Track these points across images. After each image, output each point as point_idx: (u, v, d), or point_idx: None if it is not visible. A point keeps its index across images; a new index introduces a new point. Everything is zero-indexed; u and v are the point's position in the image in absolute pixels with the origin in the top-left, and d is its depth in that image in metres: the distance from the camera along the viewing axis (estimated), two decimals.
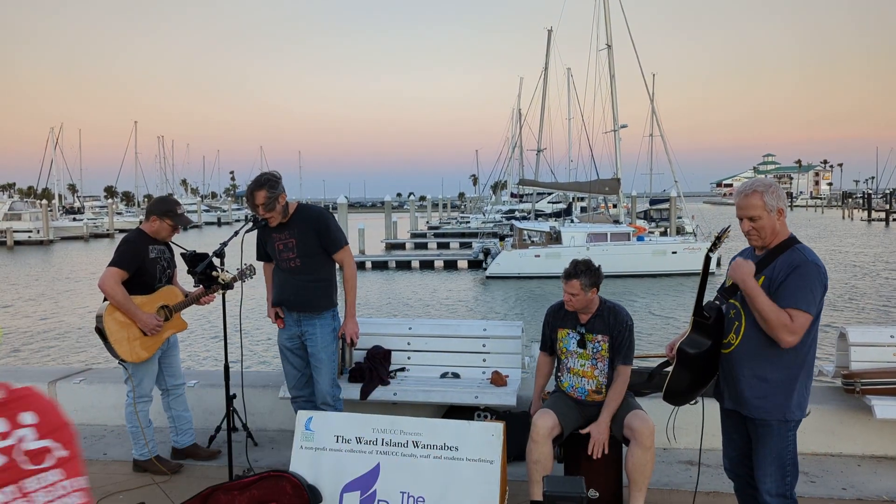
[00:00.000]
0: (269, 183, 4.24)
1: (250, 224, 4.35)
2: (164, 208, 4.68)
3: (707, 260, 3.20)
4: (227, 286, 4.25)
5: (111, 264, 4.47)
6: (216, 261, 4.19)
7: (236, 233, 4.28)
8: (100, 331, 4.47)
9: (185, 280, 4.94)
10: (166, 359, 4.87)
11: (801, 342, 2.94)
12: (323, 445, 3.44)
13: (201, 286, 4.54)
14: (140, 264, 4.54)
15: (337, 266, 4.54)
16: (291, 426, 5.53)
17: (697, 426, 4.69)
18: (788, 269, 2.92)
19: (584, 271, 3.97)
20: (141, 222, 4.79)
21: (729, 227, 3.17)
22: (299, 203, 4.48)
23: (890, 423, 4.72)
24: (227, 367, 4.39)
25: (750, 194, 3.00)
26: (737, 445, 3.24)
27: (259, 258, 4.65)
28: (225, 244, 4.24)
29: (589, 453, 3.90)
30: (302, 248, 4.38)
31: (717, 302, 3.12)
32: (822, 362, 5.64)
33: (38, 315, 22.36)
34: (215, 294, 4.67)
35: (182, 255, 4.31)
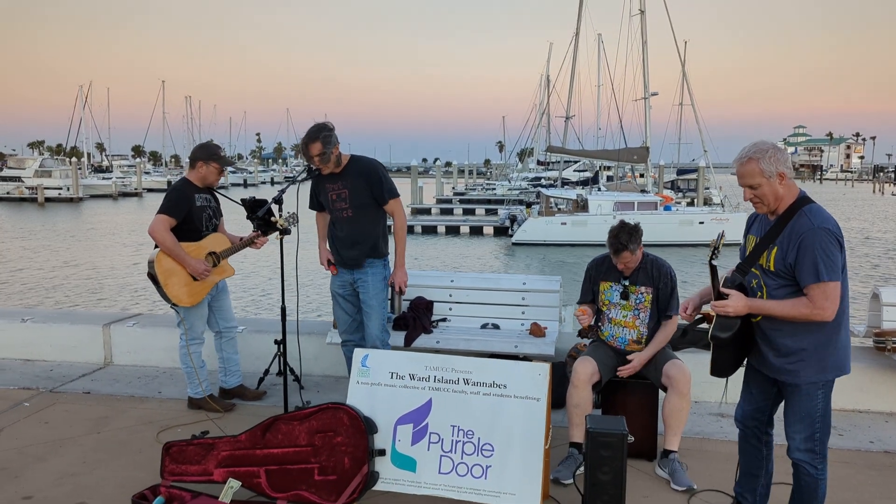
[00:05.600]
0: (323, 135, 4.40)
1: (305, 174, 4.53)
2: (208, 153, 4.87)
3: (713, 267, 3.09)
4: (286, 231, 4.44)
5: (160, 211, 4.67)
6: (275, 207, 4.39)
7: (293, 181, 4.46)
8: (152, 276, 4.68)
9: (233, 228, 5.16)
10: (217, 302, 5.09)
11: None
12: (378, 381, 3.64)
13: (254, 232, 4.76)
14: (187, 212, 4.73)
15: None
16: (336, 372, 5.80)
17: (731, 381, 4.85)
18: (797, 240, 2.87)
19: (628, 239, 4.08)
20: (181, 175, 4.99)
21: (723, 232, 3.20)
22: (352, 155, 4.65)
23: None
24: (283, 309, 4.61)
25: (745, 162, 2.94)
26: (754, 400, 3.30)
27: (311, 207, 4.83)
28: (283, 191, 4.43)
29: (618, 372, 4.14)
30: (354, 198, 4.55)
31: (738, 274, 3.11)
32: (854, 323, 5.75)
33: (84, 267, 22.93)
34: (267, 238, 4.87)
35: (242, 200, 4.51)
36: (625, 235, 4.08)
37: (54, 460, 4.22)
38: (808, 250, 2.84)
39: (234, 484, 3.59)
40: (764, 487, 3.41)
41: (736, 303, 2.96)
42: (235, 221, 5.37)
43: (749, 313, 3.05)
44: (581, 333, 4.48)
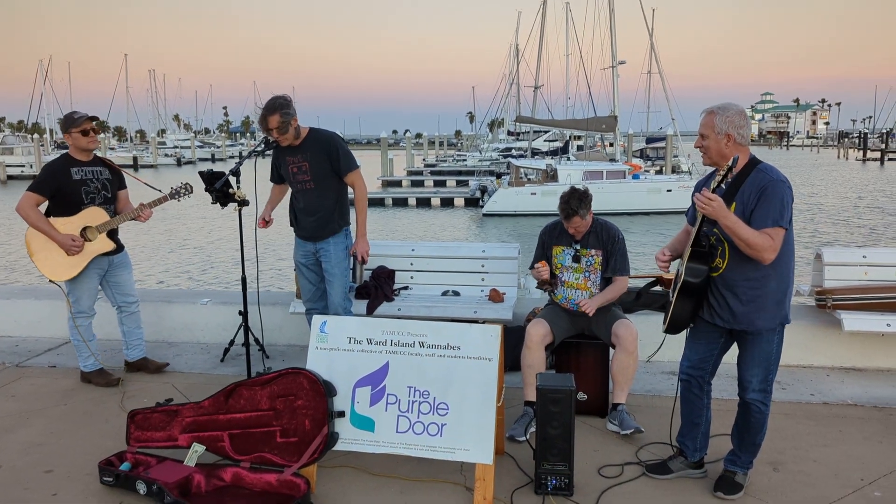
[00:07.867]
0: (281, 107, 4.46)
1: (263, 145, 4.59)
2: (65, 124, 4.81)
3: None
4: (244, 203, 4.52)
5: (28, 189, 4.72)
6: (232, 179, 4.45)
7: (252, 153, 4.52)
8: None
9: (192, 202, 5.19)
10: (113, 278, 5.08)
11: (783, 254, 3.18)
12: (336, 346, 3.75)
13: (141, 203, 4.83)
14: (57, 188, 4.71)
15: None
16: (301, 341, 5.91)
17: (680, 341, 5.05)
18: (758, 192, 3.13)
19: (578, 205, 4.23)
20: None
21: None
22: (311, 127, 4.72)
23: (857, 336, 5.10)
24: (244, 280, 4.71)
25: (708, 113, 3.23)
26: (700, 351, 3.53)
27: (272, 179, 4.90)
28: (240, 163, 4.50)
29: (581, 306, 4.28)
30: (315, 170, 4.63)
31: (705, 230, 3.31)
32: (798, 282, 5.98)
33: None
34: (152, 212, 4.88)
35: (200, 173, 4.56)
36: (575, 201, 4.22)
37: (22, 431, 4.30)
38: (770, 198, 3.10)
39: (198, 448, 3.70)
40: (703, 436, 3.61)
41: (720, 204, 3.10)
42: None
43: (712, 272, 3.31)
44: (540, 286, 4.56)
